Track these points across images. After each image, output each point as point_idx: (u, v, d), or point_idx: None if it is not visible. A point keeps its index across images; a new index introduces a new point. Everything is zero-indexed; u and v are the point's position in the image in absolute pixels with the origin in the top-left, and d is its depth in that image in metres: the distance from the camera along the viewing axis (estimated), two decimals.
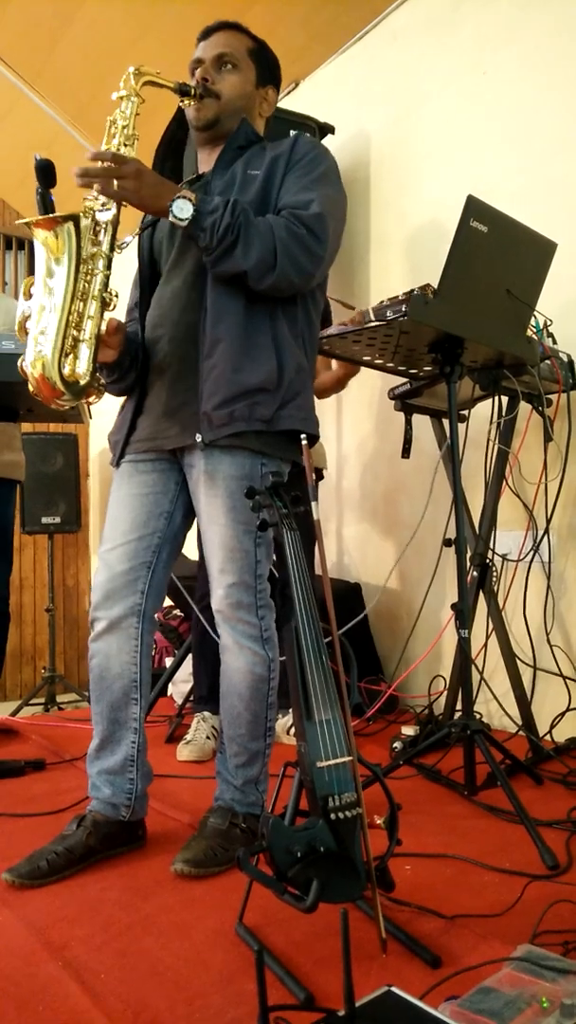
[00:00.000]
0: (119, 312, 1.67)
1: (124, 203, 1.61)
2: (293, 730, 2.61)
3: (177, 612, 3.81)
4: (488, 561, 2.51)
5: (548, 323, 2.42)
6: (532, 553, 2.58)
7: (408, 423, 2.59)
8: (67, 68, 4.17)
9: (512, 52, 2.91)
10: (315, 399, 2.01)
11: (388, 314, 1.95)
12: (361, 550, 3.61)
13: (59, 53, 4.11)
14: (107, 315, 1.62)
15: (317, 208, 1.67)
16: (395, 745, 2.51)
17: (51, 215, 1.57)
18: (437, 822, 1.89)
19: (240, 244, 1.59)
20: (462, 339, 2.06)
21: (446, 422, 2.44)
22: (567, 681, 2.57)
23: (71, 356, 1.58)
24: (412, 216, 3.33)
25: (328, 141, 3.50)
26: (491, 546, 2.52)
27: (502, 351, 2.19)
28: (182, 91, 1.73)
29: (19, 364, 1.59)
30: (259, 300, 1.69)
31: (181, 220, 1.58)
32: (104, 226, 1.61)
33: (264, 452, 1.69)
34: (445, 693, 2.66)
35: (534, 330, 2.36)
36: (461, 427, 2.22)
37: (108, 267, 1.61)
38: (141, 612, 1.73)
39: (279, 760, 1.45)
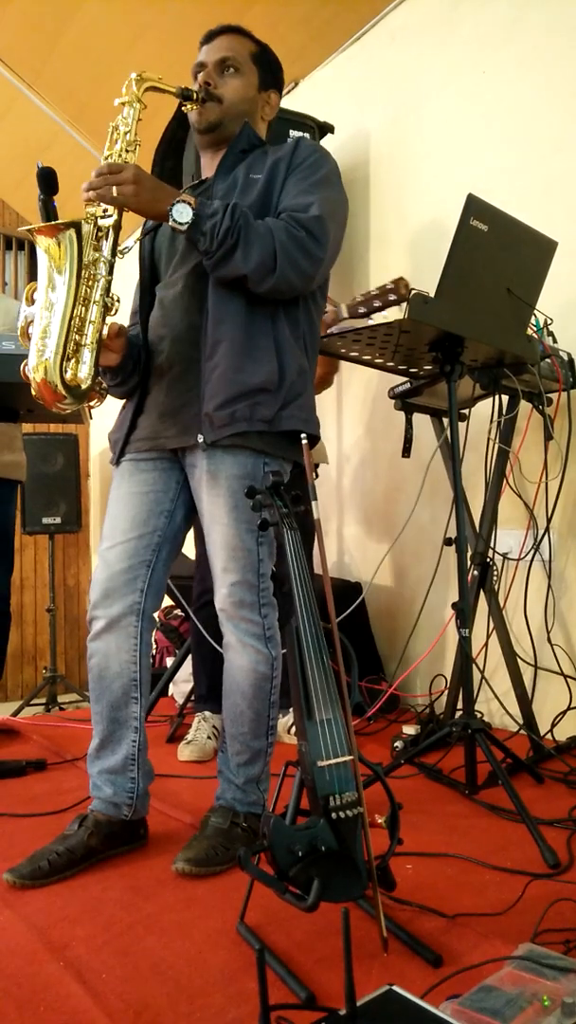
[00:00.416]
0: (121, 316, 1.68)
1: (124, 209, 1.62)
2: (294, 729, 2.62)
3: (178, 612, 3.81)
4: (489, 560, 2.50)
5: (548, 322, 2.42)
6: (533, 552, 2.58)
7: (408, 422, 2.59)
8: (66, 68, 4.17)
9: (511, 51, 2.91)
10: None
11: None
12: (361, 549, 3.61)
13: (58, 53, 4.11)
14: (109, 319, 1.63)
15: (316, 211, 1.68)
16: (396, 744, 2.51)
17: (53, 222, 1.58)
18: (438, 821, 1.89)
19: (240, 247, 1.60)
20: (462, 338, 2.06)
21: (446, 421, 2.44)
22: (568, 680, 2.57)
23: (73, 360, 1.59)
24: (412, 215, 3.33)
25: (327, 141, 3.50)
26: (492, 545, 2.52)
27: (502, 350, 2.19)
28: (184, 96, 1.74)
29: (21, 369, 1.60)
30: (260, 302, 1.70)
31: (181, 224, 1.59)
32: (105, 232, 1.63)
33: (266, 452, 1.70)
34: (446, 692, 2.66)
35: (534, 329, 2.36)
36: (461, 426, 2.22)
37: (110, 272, 1.63)
38: (140, 611, 1.73)
39: (280, 759, 1.45)
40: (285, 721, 2.67)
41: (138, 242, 1.90)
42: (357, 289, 3.55)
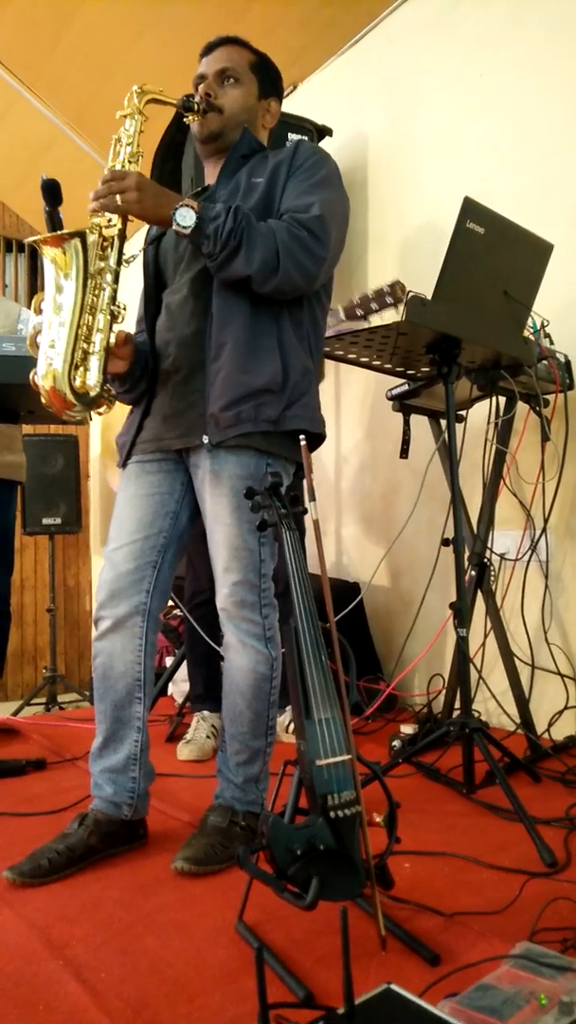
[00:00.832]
0: (127, 324, 1.69)
1: (128, 216, 1.64)
2: (292, 727, 2.62)
3: (177, 612, 3.82)
4: (486, 560, 2.51)
5: (545, 324, 2.43)
6: (530, 552, 2.59)
7: (406, 424, 2.60)
8: (66, 70, 4.18)
9: (509, 54, 2.92)
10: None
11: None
12: (359, 550, 3.62)
13: (58, 55, 4.11)
14: (116, 327, 1.66)
15: (318, 211, 1.69)
16: (394, 743, 2.52)
17: (59, 232, 1.60)
18: (436, 820, 1.90)
19: (243, 249, 1.62)
20: (459, 340, 2.06)
21: (444, 423, 2.45)
22: (565, 679, 2.57)
23: (81, 368, 1.62)
24: (409, 217, 3.34)
25: (326, 143, 3.51)
26: (489, 545, 2.53)
27: (499, 352, 2.19)
28: (186, 107, 1.76)
29: (31, 377, 1.62)
30: (264, 304, 1.72)
31: (184, 228, 1.61)
32: (110, 241, 1.65)
33: (270, 452, 1.71)
34: (444, 692, 2.66)
35: (531, 331, 2.36)
36: (459, 427, 2.22)
37: (115, 281, 1.65)
38: (146, 611, 1.75)
39: (279, 758, 1.46)
40: (283, 719, 2.68)
41: (143, 251, 1.91)
42: (355, 290, 3.54)
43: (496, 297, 2.11)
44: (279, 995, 1.15)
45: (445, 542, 2.13)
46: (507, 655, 2.48)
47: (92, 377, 1.62)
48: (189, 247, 1.79)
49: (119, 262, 1.65)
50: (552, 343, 2.48)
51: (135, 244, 1.78)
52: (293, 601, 1.37)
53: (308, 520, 1.46)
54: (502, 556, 2.64)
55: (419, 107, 3.29)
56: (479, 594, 2.53)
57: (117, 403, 1.75)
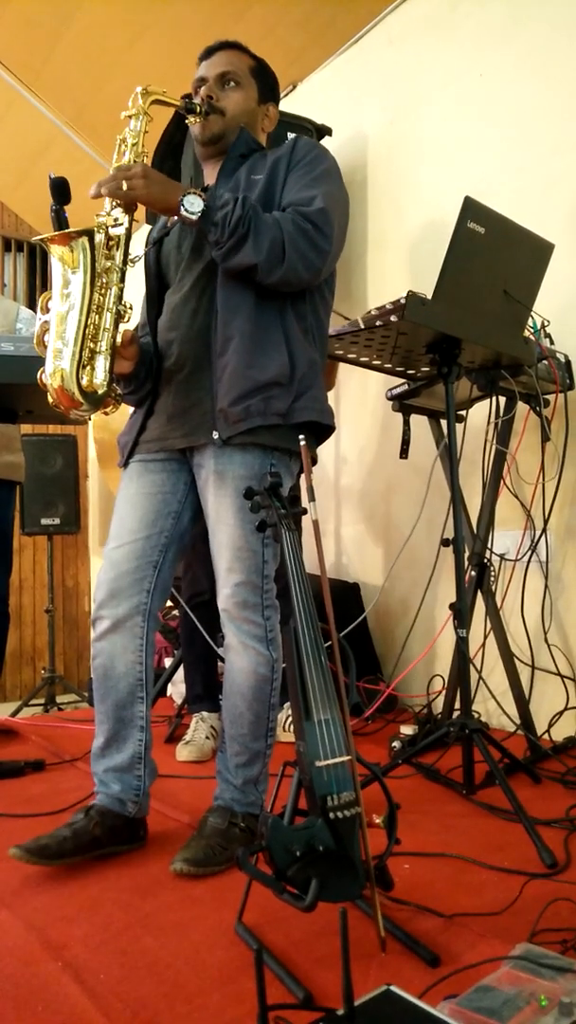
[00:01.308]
0: (133, 324, 1.69)
1: (134, 211, 1.63)
2: (290, 723, 2.62)
3: (176, 612, 3.82)
4: (486, 561, 2.51)
5: (545, 324, 2.43)
6: (530, 553, 2.59)
7: (406, 424, 2.59)
8: (65, 69, 4.17)
9: (509, 53, 2.92)
10: None
11: (378, 323, 1.97)
12: (359, 550, 3.62)
13: (57, 54, 4.11)
14: (122, 327, 1.66)
15: (320, 203, 1.70)
16: (394, 744, 2.52)
17: (66, 231, 1.61)
18: (436, 821, 1.90)
19: (251, 237, 1.62)
20: (459, 340, 2.06)
21: (444, 422, 2.45)
22: (565, 680, 2.57)
23: (88, 367, 1.62)
24: (409, 217, 3.34)
25: (326, 143, 3.50)
26: (489, 546, 2.53)
27: (499, 352, 2.19)
28: (188, 109, 1.77)
29: (38, 376, 1.63)
30: (268, 298, 1.72)
31: (192, 214, 1.61)
32: (117, 240, 1.65)
33: (276, 448, 1.71)
34: (443, 692, 2.66)
35: (531, 331, 2.36)
36: (459, 427, 2.22)
37: (122, 280, 1.66)
38: (146, 611, 1.75)
39: (279, 759, 1.46)
40: (281, 716, 2.68)
41: (145, 252, 1.92)
42: (354, 290, 3.57)
43: (496, 297, 2.11)
44: (278, 996, 1.15)
45: (445, 542, 2.12)
46: (507, 656, 2.48)
47: (99, 376, 1.63)
48: (191, 247, 1.80)
49: (125, 261, 1.66)
50: (552, 343, 2.48)
51: (138, 246, 1.78)
52: (292, 602, 1.36)
53: (307, 520, 1.46)
54: (502, 556, 2.64)
55: (419, 107, 3.29)
56: (479, 594, 2.53)
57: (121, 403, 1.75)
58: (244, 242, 1.62)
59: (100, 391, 1.63)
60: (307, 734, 1.30)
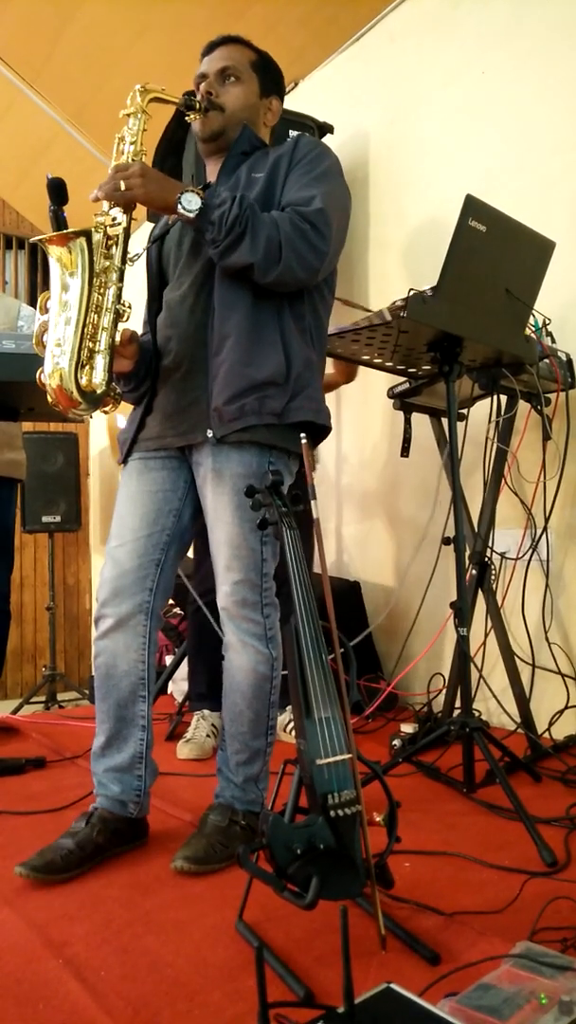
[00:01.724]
0: (133, 323, 1.69)
1: (133, 210, 1.63)
2: (291, 727, 2.62)
3: (177, 610, 3.82)
4: (487, 559, 2.51)
5: (547, 322, 2.43)
6: (531, 551, 2.59)
7: (407, 422, 2.59)
8: (66, 67, 4.17)
9: (510, 52, 2.92)
10: None
11: (403, 314, 1.96)
12: (360, 548, 3.61)
13: (58, 52, 4.11)
14: (121, 326, 1.66)
15: (319, 204, 1.69)
16: (394, 743, 2.52)
17: (64, 231, 1.61)
18: (436, 819, 1.90)
19: (248, 236, 1.61)
20: (461, 338, 2.06)
21: (445, 421, 2.45)
22: (565, 679, 2.57)
23: (87, 367, 1.62)
24: (411, 215, 3.34)
25: (327, 141, 3.49)
26: (490, 544, 2.53)
27: (501, 350, 2.19)
28: (188, 106, 1.77)
29: (37, 376, 1.63)
30: (265, 297, 1.72)
31: (190, 212, 1.61)
32: (115, 240, 1.65)
33: (274, 447, 1.71)
34: (444, 691, 2.66)
35: (533, 329, 2.36)
36: (460, 426, 2.22)
37: (120, 279, 1.66)
38: (149, 610, 1.74)
39: (279, 757, 1.46)
40: (283, 719, 2.68)
41: (146, 250, 1.91)
42: (356, 287, 3.56)
43: (498, 295, 2.10)
44: (279, 994, 1.15)
45: (446, 541, 2.12)
46: (507, 654, 2.48)
47: (98, 376, 1.62)
48: (191, 244, 1.79)
49: (124, 260, 1.65)
50: (554, 341, 2.48)
51: (139, 243, 1.78)
52: (293, 600, 1.36)
53: None
54: (503, 555, 2.64)
55: (420, 105, 3.28)
56: (480, 593, 2.53)
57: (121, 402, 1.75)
58: (240, 241, 1.61)
59: (99, 391, 1.63)
60: (308, 732, 1.30)
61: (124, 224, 1.65)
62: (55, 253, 1.61)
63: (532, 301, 2.23)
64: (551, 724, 2.54)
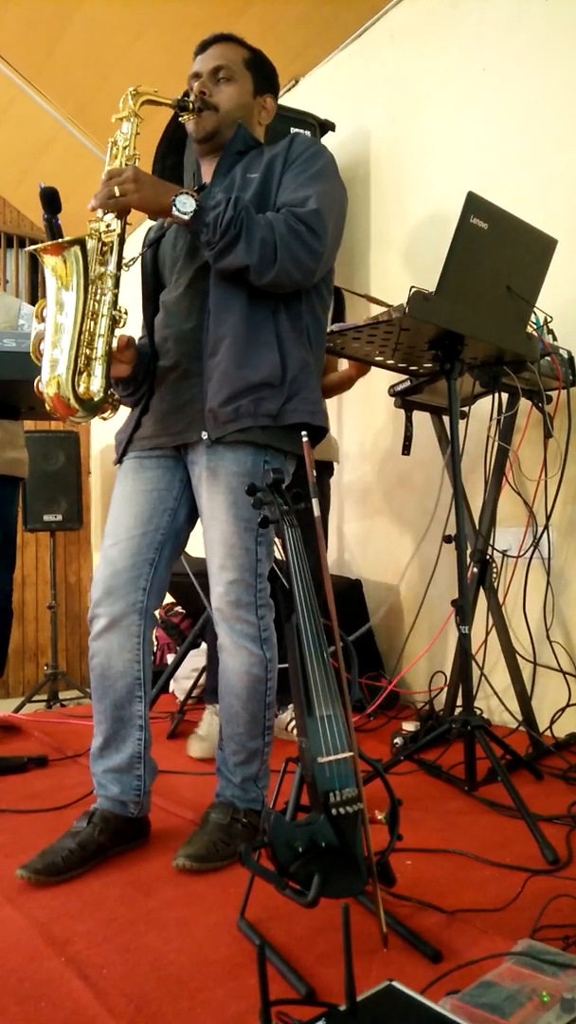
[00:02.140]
0: (129, 328, 1.69)
1: (127, 216, 1.63)
2: (293, 725, 2.62)
3: (179, 609, 3.82)
4: (488, 557, 2.51)
5: (548, 320, 2.42)
6: (532, 549, 2.59)
7: (408, 420, 2.59)
8: (67, 66, 4.17)
9: (511, 48, 2.91)
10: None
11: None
12: (362, 546, 3.61)
13: (59, 51, 4.11)
14: (118, 332, 1.65)
15: (315, 204, 1.68)
16: (396, 741, 2.52)
17: (58, 240, 1.60)
18: (438, 817, 1.90)
19: (243, 238, 1.61)
20: (462, 336, 2.06)
21: (446, 419, 2.45)
22: (567, 677, 2.57)
23: (85, 374, 1.62)
24: (412, 213, 3.33)
25: (328, 138, 3.50)
26: (491, 542, 2.53)
27: (502, 348, 2.19)
28: (181, 107, 1.76)
29: (35, 384, 1.63)
30: (261, 298, 1.71)
31: (184, 214, 1.60)
32: (110, 246, 1.64)
33: (270, 446, 1.70)
34: (445, 689, 2.66)
35: (534, 327, 2.36)
36: (461, 424, 2.22)
37: (116, 285, 1.65)
38: (143, 609, 1.74)
39: (281, 756, 1.46)
40: (284, 717, 2.68)
41: (141, 254, 1.91)
42: (357, 286, 3.56)
43: (499, 293, 2.10)
44: (281, 992, 1.16)
45: (447, 539, 2.12)
46: (509, 652, 2.48)
47: (96, 383, 1.62)
48: (186, 247, 1.79)
49: (119, 266, 1.65)
50: (555, 339, 2.48)
51: (134, 248, 1.78)
52: (294, 598, 1.36)
53: None
54: (504, 553, 2.64)
55: (421, 102, 3.28)
56: (481, 591, 2.53)
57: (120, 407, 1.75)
58: (236, 243, 1.61)
59: (96, 398, 1.62)
60: (309, 730, 1.30)
61: (118, 230, 1.64)
62: (50, 263, 1.60)
63: (534, 299, 2.23)
64: (553, 722, 2.54)
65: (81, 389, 1.61)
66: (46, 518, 4.68)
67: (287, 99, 3.84)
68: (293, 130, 3.20)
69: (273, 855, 1.22)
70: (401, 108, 3.38)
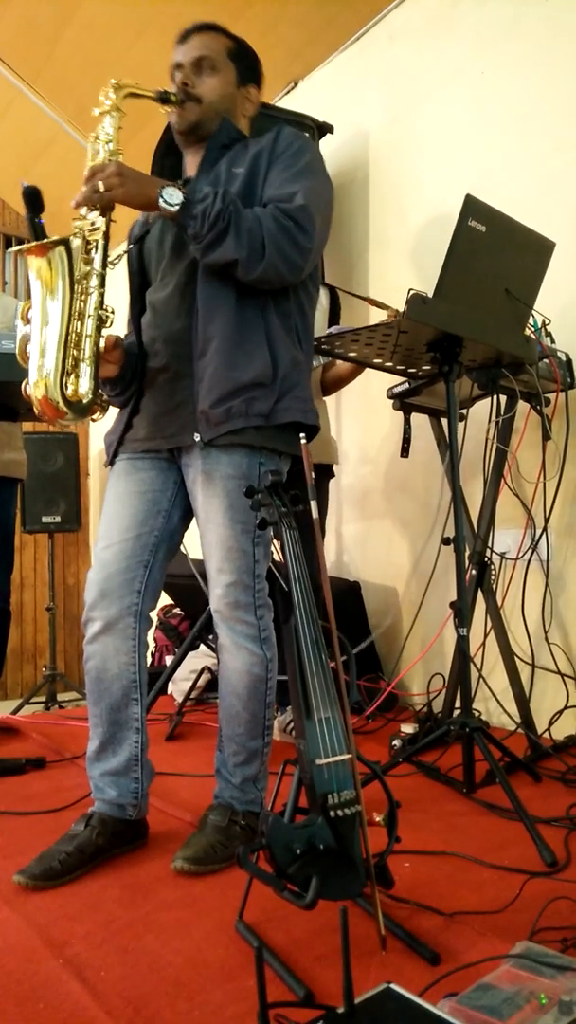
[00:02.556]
0: (116, 328, 1.68)
1: (112, 214, 1.62)
2: (291, 727, 2.62)
3: (177, 611, 3.82)
4: (487, 559, 2.51)
5: (546, 322, 2.43)
6: (530, 551, 2.59)
7: (407, 422, 2.59)
8: (66, 67, 4.17)
9: (510, 51, 2.92)
10: (313, 393, 2.01)
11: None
12: (360, 548, 3.61)
13: (58, 52, 4.11)
14: (105, 332, 1.63)
15: (302, 200, 1.66)
16: (394, 743, 2.52)
17: (42, 241, 1.58)
18: (436, 819, 1.90)
19: (231, 231, 1.59)
20: (461, 338, 2.06)
21: (445, 421, 2.45)
22: (565, 679, 2.57)
23: (72, 376, 1.60)
24: (411, 215, 3.33)
25: (327, 140, 3.50)
26: (490, 544, 2.53)
27: (500, 350, 2.19)
28: (163, 99, 1.73)
29: (23, 388, 1.61)
30: (250, 296, 1.70)
31: (172, 206, 1.58)
32: (95, 244, 1.62)
33: (264, 447, 1.70)
34: (444, 691, 2.66)
35: (532, 329, 2.36)
36: (460, 426, 2.22)
37: (102, 285, 1.63)
38: (138, 612, 1.72)
39: (279, 757, 1.46)
40: (283, 719, 2.68)
41: (126, 252, 1.90)
42: (356, 288, 3.56)
43: (497, 295, 2.10)
44: (279, 994, 1.15)
45: (446, 541, 2.12)
46: (507, 654, 2.48)
47: (84, 385, 1.60)
48: (173, 243, 1.77)
49: (104, 265, 1.63)
50: (553, 341, 2.48)
51: (120, 247, 1.77)
52: (293, 600, 1.36)
53: None
54: (503, 555, 2.64)
55: (420, 104, 3.28)
56: (479, 593, 2.53)
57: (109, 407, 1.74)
58: (224, 236, 1.59)
59: (85, 400, 1.60)
60: (308, 732, 1.30)
61: (103, 228, 1.62)
62: (34, 264, 1.58)
63: (532, 301, 2.23)
64: (551, 724, 2.54)
65: (69, 391, 1.59)
66: (44, 519, 4.68)
67: (286, 101, 3.85)
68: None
69: (271, 857, 1.22)
70: (400, 110, 3.38)
